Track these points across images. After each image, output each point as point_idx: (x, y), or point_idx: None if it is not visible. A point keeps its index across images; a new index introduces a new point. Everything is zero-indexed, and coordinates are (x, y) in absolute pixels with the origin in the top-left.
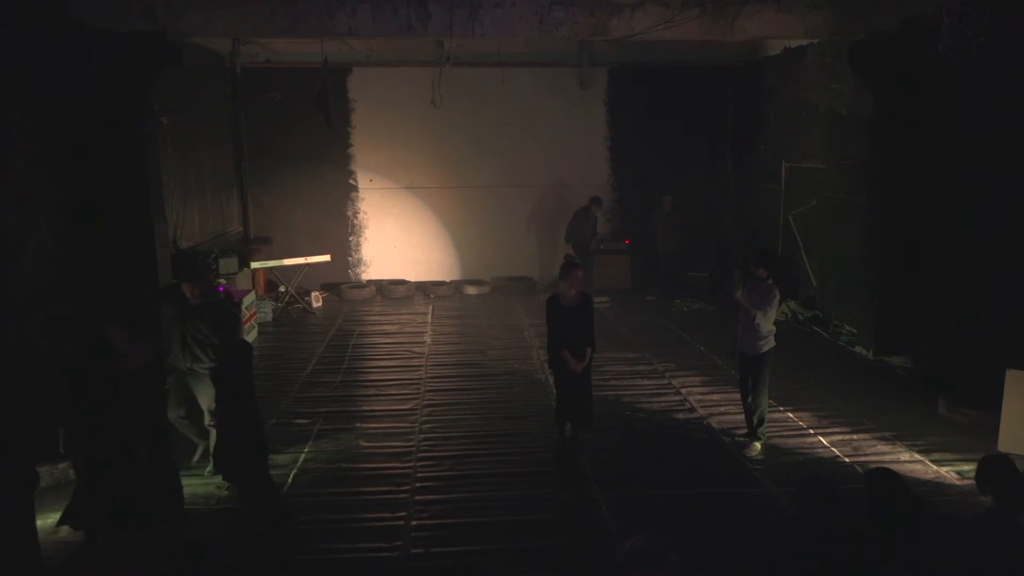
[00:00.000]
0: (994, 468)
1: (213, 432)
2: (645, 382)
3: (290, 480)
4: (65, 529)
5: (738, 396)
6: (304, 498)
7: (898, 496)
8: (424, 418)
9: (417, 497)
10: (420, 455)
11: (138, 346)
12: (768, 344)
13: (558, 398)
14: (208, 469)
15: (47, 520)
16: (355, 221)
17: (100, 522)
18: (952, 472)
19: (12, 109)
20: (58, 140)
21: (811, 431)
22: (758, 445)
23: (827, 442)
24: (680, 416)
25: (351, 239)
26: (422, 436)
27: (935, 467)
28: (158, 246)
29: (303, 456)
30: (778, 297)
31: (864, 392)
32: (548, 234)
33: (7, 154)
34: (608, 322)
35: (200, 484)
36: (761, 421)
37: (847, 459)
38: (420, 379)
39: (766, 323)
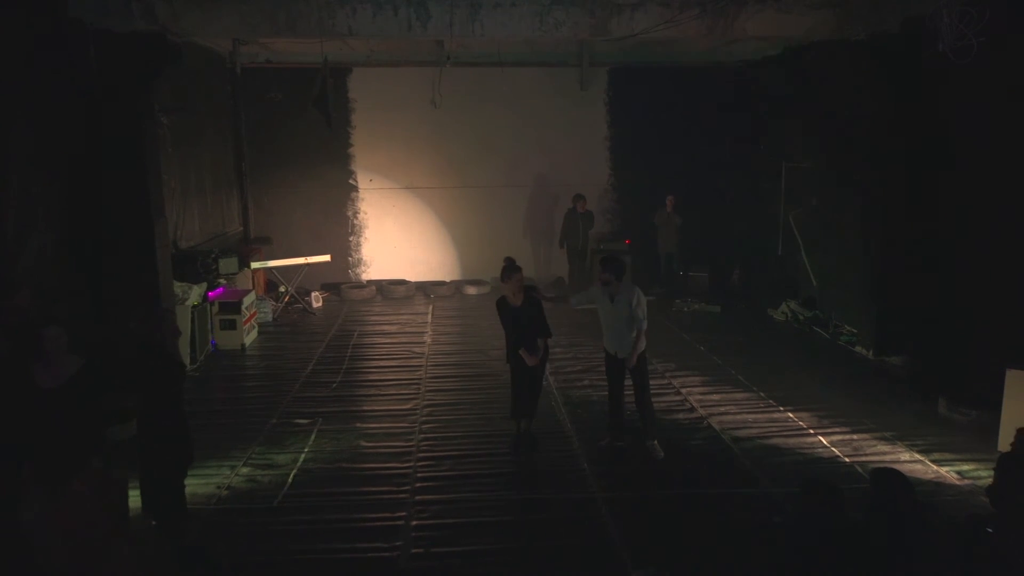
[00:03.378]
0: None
1: None
2: None
3: (290, 480)
4: None
5: (739, 396)
6: (304, 498)
7: (904, 496)
8: (424, 418)
9: (417, 497)
10: (420, 455)
11: (69, 357)
12: (642, 343)
13: (512, 395)
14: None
15: None
16: (355, 221)
17: None
18: (952, 472)
19: (12, 109)
20: (58, 140)
21: (811, 431)
22: (658, 444)
23: (827, 442)
24: (680, 416)
25: (351, 239)
26: (422, 436)
27: (935, 467)
28: (158, 246)
29: (303, 456)
30: (640, 293)
31: (864, 392)
32: (547, 234)
33: (7, 154)
34: None
35: (201, 484)
36: (651, 422)
37: (847, 459)
38: (420, 379)
39: (644, 322)
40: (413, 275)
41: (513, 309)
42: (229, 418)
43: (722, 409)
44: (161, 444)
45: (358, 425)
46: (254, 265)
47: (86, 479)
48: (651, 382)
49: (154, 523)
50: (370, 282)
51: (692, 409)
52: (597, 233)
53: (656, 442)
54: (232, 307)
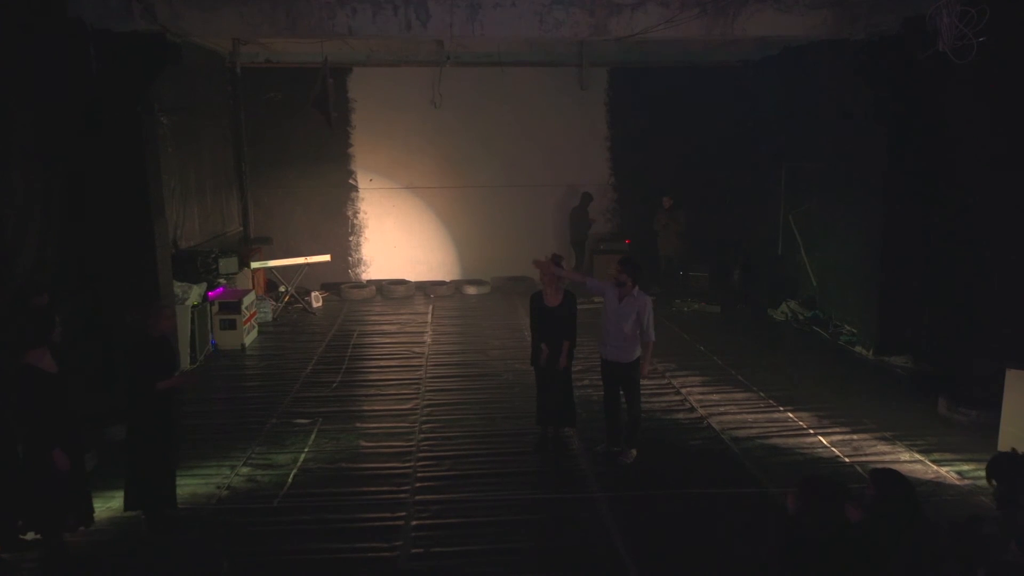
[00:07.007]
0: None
1: None
2: (645, 382)
3: (290, 480)
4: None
5: (739, 396)
6: (304, 498)
7: (905, 497)
8: (424, 418)
9: (417, 497)
10: (420, 455)
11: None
12: (639, 352)
13: (537, 401)
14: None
15: None
16: (355, 221)
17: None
18: (952, 472)
19: (12, 109)
20: (58, 140)
21: (811, 431)
22: (634, 452)
23: (827, 442)
24: (680, 416)
25: (351, 239)
26: (422, 436)
27: (935, 467)
28: (158, 246)
29: (303, 456)
30: (651, 306)
31: (864, 392)
32: (548, 234)
33: (7, 154)
34: None
35: (201, 484)
36: (635, 427)
37: (847, 459)
38: (420, 379)
39: (652, 334)
40: (413, 275)
41: (547, 308)
42: (229, 418)
43: (722, 409)
44: (150, 438)
45: (358, 425)
46: (254, 265)
47: None
48: (651, 382)
49: (143, 517)
50: (370, 282)
51: (692, 409)
52: (597, 232)
53: (634, 451)
54: (232, 307)
